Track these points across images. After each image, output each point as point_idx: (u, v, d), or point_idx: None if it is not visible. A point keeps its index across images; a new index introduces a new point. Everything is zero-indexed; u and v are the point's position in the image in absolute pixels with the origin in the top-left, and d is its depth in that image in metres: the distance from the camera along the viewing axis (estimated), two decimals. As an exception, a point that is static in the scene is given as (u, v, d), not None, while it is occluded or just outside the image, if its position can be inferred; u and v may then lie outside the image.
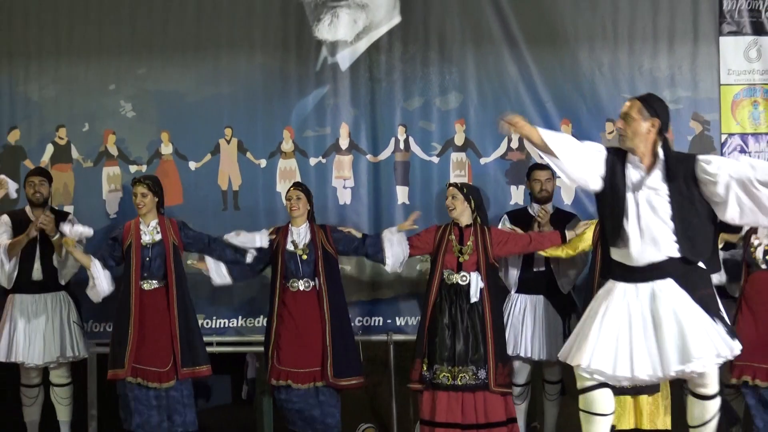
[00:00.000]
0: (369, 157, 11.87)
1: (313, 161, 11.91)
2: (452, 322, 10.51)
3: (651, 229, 7.72)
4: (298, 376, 10.66)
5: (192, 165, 11.96)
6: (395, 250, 10.80)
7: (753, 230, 10.47)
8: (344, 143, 11.90)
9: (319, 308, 10.76)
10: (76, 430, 11.70)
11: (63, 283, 11.27)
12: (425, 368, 10.57)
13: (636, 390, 10.26)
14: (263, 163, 11.93)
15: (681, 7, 11.75)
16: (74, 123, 12.15)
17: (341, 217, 11.78)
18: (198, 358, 10.88)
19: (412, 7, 11.92)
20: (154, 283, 10.81)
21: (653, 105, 7.90)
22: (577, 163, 7.83)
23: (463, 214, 10.60)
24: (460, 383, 10.43)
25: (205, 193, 11.92)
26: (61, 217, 11.41)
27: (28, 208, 11.43)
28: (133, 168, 11.94)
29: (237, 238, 10.82)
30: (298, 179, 11.67)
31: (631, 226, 7.76)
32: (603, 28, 11.79)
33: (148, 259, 10.83)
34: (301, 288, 10.73)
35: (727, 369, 10.06)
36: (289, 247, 10.78)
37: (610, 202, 7.83)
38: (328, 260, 10.82)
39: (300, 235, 10.83)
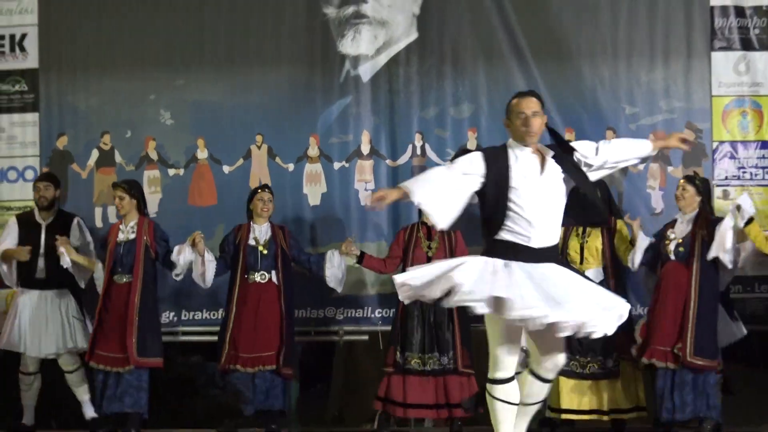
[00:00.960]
0: (388, 162, 12.23)
1: (336, 165, 12.25)
2: (422, 312, 11.00)
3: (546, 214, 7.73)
4: (251, 361, 11.08)
5: (226, 168, 12.34)
6: (334, 271, 11.35)
7: (670, 224, 10.92)
8: (365, 149, 12.25)
9: (277, 299, 11.23)
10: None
11: (82, 286, 11.66)
12: (398, 355, 11.04)
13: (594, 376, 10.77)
14: (291, 167, 12.28)
15: (675, 25, 12.02)
16: (117, 130, 12.49)
17: (363, 218, 12.16)
18: (153, 350, 11.27)
19: (428, 25, 12.24)
20: (125, 278, 11.21)
21: (541, 99, 7.88)
22: (440, 198, 7.65)
23: None
24: (428, 368, 10.95)
25: (237, 194, 12.02)
26: (68, 218, 11.85)
27: (36, 210, 11.84)
28: (171, 171, 12.36)
29: (178, 258, 11.21)
30: (323, 183, 12.11)
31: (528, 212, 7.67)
32: (603, 44, 12.11)
33: (120, 254, 11.24)
34: (258, 279, 11.18)
35: (637, 351, 10.63)
36: (251, 242, 11.24)
37: (495, 194, 7.68)
38: (284, 257, 11.30)
39: (262, 232, 11.31)
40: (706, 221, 10.72)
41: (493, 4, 12.18)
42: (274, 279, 11.35)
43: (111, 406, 11.15)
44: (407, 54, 12.34)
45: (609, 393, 10.91)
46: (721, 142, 12.01)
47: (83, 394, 11.72)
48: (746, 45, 11.98)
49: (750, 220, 10.38)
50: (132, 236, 11.33)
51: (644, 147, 7.99)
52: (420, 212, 11.20)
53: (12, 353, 11.73)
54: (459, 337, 10.91)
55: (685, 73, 12.03)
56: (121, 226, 11.39)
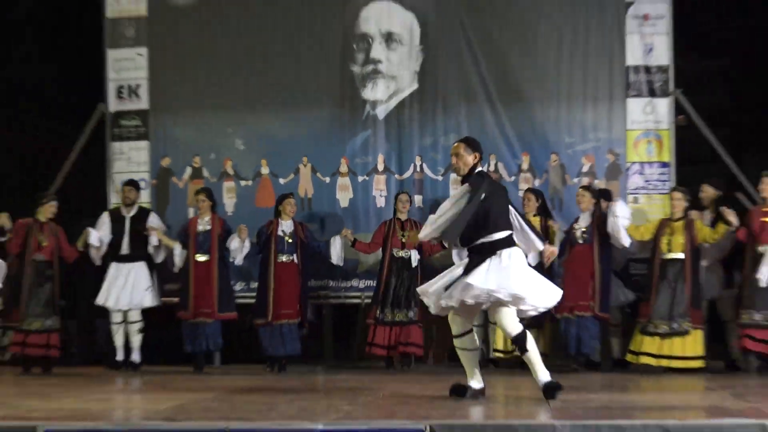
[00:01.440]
0: (396, 176, 14.31)
1: (360, 179, 14.36)
2: (397, 281, 13.28)
3: None
4: (281, 316, 13.26)
5: (281, 181, 14.43)
6: (336, 250, 13.52)
7: (576, 220, 12.99)
8: (381, 167, 14.34)
9: (296, 272, 13.38)
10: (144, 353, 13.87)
11: (159, 261, 13.69)
12: (378, 311, 13.37)
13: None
14: (327, 179, 14.39)
15: (602, 79, 14.03)
16: (205, 153, 14.61)
17: (378, 215, 14.13)
18: (228, 307, 13.57)
19: (425, 78, 14.33)
20: (204, 257, 13.52)
21: (472, 143, 9.09)
22: (455, 224, 8.79)
23: (405, 212, 13.47)
24: (397, 319, 13.35)
25: None
26: (145, 212, 13.81)
27: (122, 207, 13.76)
28: (242, 183, 14.48)
29: (230, 244, 13.42)
30: (350, 191, 14.21)
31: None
32: (550, 91, 14.13)
33: (200, 240, 13.49)
34: (284, 260, 13.35)
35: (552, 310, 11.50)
36: (280, 233, 13.30)
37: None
38: (302, 244, 13.41)
39: (287, 227, 13.40)
40: (600, 217, 12.70)
41: (471, 63, 14.22)
42: (295, 260, 13.39)
43: (198, 347, 13.40)
44: (410, 99, 14.38)
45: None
46: (633, 163, 13.96)
47: (138, 342, 13.67)
48: (651, 93, 13.98)
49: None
50: (208, 227, 13.42)
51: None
52: (395, 210, 13.49)
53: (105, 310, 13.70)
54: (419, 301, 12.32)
55: (608, 113, 14.03)
56: (198, 220, 13.47)
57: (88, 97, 15.14)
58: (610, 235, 12.72)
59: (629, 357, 12.66)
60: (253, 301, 13.73)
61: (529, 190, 13.49)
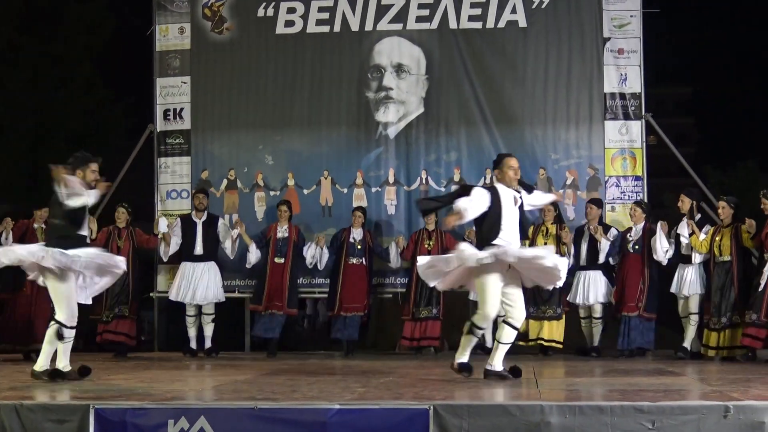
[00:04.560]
0: (405, 187, 14.36)
1: (373, 190, 14.40)
2: (422, 283, 12.43)
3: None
4: (352, 309, 13.60)
5: (305, 191, 14.48)
6: (394, 256, 13.79)
7: (628, 230, 13.08)
8: (391, 180, 14.38)
9: (365, 272, 13.69)
10: (225, 341, 14.09)
11: (231, 257, 13.73)
12: (412, 308, 13.52)
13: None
14: (345, 191, 14.43)
15: (582, 103, 14.12)
16: (239, 167, 14.65)
17: (389, 222, 14.27)
18: (293, 303, 13.81)
19: (430, 103, 14.39)
20: (281, 260, 13.66)
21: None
22: (476, 212, 8.88)
23: (432, 222, 13.49)
24: (422, 316, 13.48)
25: (313, 207, 14.39)
26: (214, 217, 13.84)
27: (193, 213, 13.81)
28: (271, 193, 14.49)
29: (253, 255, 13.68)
30: (365, 201, 14.22)
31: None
32: (538, 114, 14.21)
33: (279, 245, 13.65)
34: (355, 261, 13.68)
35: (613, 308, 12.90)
36: (351, 240, 13.64)
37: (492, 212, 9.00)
38: (369, 249, 13.71)
39: (359, 234, 13.72)
40: (650, 230, 12.81)
41: (469, 90, 14.31)
42: (364, 262, 13.71)
43: (267, 334, 13.58)
44: (417, 121, 14.46)
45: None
46: (610, 177, 14.04)
47: (210, 331, 13.73)
48: (626, 116, 14.07)
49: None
50: (285, 235, 13.61)
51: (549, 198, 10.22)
52: (424, 221, 13.61)
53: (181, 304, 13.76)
54: (442, 298, 13.33)
55: (588, 134, 14.14)
56: (278, 227, 13.64)
57: (140, 119, 15.37)
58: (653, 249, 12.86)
59: (703, 350, 12.52)
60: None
61: None
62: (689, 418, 6.87)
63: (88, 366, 9.38)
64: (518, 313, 9.10)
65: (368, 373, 10.09)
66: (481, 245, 9.06)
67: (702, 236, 12.52)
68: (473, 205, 8.97)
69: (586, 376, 10.13)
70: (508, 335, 9.10)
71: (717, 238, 12.38)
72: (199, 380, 9.75)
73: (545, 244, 13.19)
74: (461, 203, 8.91)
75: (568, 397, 7.86)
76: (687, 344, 12.71)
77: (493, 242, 8.98)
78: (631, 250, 13.04)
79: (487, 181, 13.89)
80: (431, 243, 13.58)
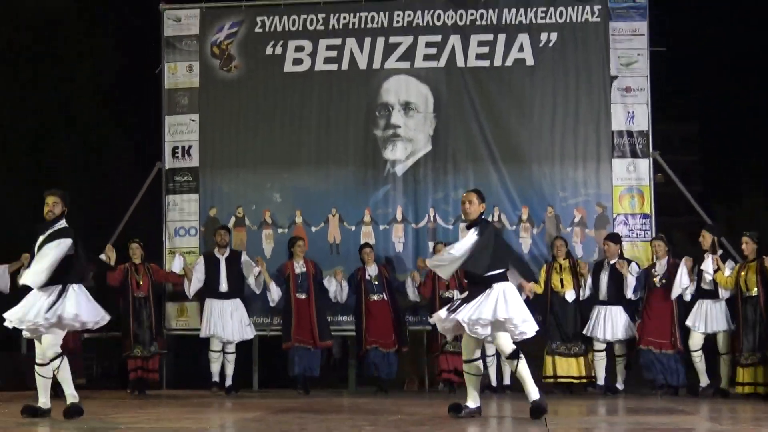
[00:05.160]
0: (413, 225, 14.35)
1: (381, 227, 14.39)
2: None
3: None
4: (378, 343, 13.55)
5: (313, 229, 14.46)
6: (411, 289, 13.70)
7: (652, 266, 13.05)
8: (399, 217, 14.36)
9: (388, 308, 13.64)
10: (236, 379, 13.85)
11: (257, 292, 13.68)
12: (439, 343, 13.38)
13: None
14: (353, 228, 14.40)
15: (590, 141, 14.18)
16: (247, 205, 14.63)
17: (398, 259, 14.24)
18: (325, 336, 13.72)
19: (438, 141, 14.42)
20: (303, 295, 13.63)
21: (481, 194, 9.29)
22: (479, 255, 8.94)
23: None
24: (452, 350, 13.23)
25: (320, 244, 14.34)
26: (237, 254, 13.81)
27: (216, 249, 13.77)
28: (279, 230, 14.46)
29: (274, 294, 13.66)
30: (373, 238, 14.20)
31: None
32: (546, 152, 14.24)
33: (299, 281, 13.60)
34: (376, 299, 13.69)
35: (636, 342, 12.83)
36: (368, 277, 13.67)
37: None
38: (389, 284, 13.71)
39: (374, 270, 13.75)
40: (675, 265, 12.77)
41: (477, 128, 14.34)
42: (385, 297, 13.68)
43: (306, 372, 13.48)
44: (425, 159, 14.48)
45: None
46: (618, 214, 14.06)
47: (232, 370, 13.68)
48: (633, 154, 14.12)
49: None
50: (303, 270, 13.60)
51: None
52: None
53: (202, 339, 13.75)
54: None
55: (596, 172, 14.16)
56: (295, 264, 13.60)
57: (148, 156, 15.23)
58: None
59: (738, 388, 12.43)
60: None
61: (557, 237, 13.69)
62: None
63: (78, 405, 9.20)
64: (500, 345, 9.12)
65: (377, 412, 10.01)
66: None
67: (727, 272, 12.53)
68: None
69: (597, 414, 10.07)
70: (518, 367, 9.02)
71: (743, 274, 12.34)
72: (208, 418, 9.66)
73: (561, 280, 13.31)
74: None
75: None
76: (724, 383, 12.77)
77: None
78: (658, 285, 13.03)
79: (495, 218, 14.03)
80: (448, 279, 13.33)
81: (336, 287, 13.83)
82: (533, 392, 8.90)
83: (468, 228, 9.25)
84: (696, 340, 12.91)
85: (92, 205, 20.91)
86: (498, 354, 12.99)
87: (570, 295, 13.25)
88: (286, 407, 10.79)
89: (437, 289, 13.50)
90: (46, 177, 21.54)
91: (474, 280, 9.15)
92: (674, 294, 12.77)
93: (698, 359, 12.87)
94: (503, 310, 8.85)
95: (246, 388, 14.19)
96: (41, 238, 9.29)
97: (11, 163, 21.32)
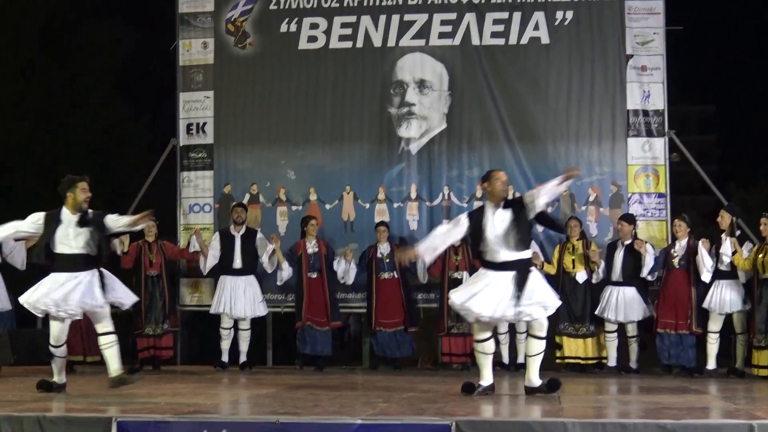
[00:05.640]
0: (427, 203, 14.37)
1: (395, 205, 14.42)
2: None
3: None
4: (387, 325, 13.63)
5: (327, 206, 14.50)
6: (420, 271, 13.69)
7: (672, 246, 13.00)
8: (413, 195, 14.39)
9: (398, 286, 13.69)
10: (251, 355, 13.95)
11: (269, 271, 13.72)
12: (445, 325, 13.48)
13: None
14: (367, 206, 14.45)
15: (605, 120, 14.10)
16: (261, 182, 14.65)
17: (411, 237, 14.03)
18: (336, 317, 13.83)
19: (452, 119, 14.39)
20: (315, 274, 13.69)
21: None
22: (441, 244, 9.32)
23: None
24: (459, 331, 13.40)
25: (334, 222, 14.41)
26: (252, 231, 13.82)
27: (232, 227, 13.78)
28: (293, 208, 14.47)
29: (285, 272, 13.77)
30: (387, 216, 14.22)
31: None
32: (560, 131, 14.21)
33: (311, 260, 13.67)
34: (386, 277, 13.74)
35: (654, 324, 12.84)
36: (379, 255, 13.71)
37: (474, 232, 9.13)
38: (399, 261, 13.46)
39: (386, 249, 13.77)
40: (694, 246, 12.69)
41: (491, 106, 14.31)
42: (395, 275, 13.69)
43: (313, 349, 13.61)
44: (440, 137, 14.49)
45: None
46: (633, 193, 14.05)
47: (246, 346, 13.70)
48: (649, 133, 14.11)
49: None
50: (315, 249, 13.66)
51: (555, 186, 9.40)
52: None
53: (215, 317, 13.77)
54: None
55: (611, 150, 14.15)
56: (307, 243, 13.66)
57: (162, 133, 15.38)
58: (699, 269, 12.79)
59: (755, 371, 12.39)
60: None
61: (572, 218, 13.63)
62: (713, 437, 6.77)
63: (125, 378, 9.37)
64: (542, 325, 9.13)
65: (390, 389, 10.05)
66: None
67: (745, 254, 12.47)
68: (430, 245, 9.35)
69: (610, 393, 10.09)
70: (534, 348, 9.15)
71: (760, 256, 12.27)
72: (222, 394, 9.74)
73: (573, 261, 13.30)
74: (421, 247, 9.38)
75: (591, 414, 7.79)
76: (740, 364, 12.73)
77: (484, 262, 9.23)
78: (677, 266, 12.98)
79: (510, 197, 13.69)
80: (458, 258, 13.59)
81: (345, 267, 13.87)
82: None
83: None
84: (715, 323, 12.85)
85: (107, 182, 21.07)
86: (510, 332, 13.43)
87: (581, 276, 13.23)
88: (300, 384, 10.85)
89: (447, 269, 13.55)
90: (62, 155, 21.79)
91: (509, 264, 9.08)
92: (705, 277, 12.66)
93: (713, 342, 12.82)
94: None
95: (260, 365, 14.24)
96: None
97: (27, 140, 21.45)
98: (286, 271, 13.81)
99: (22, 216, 9.49)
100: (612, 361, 13.34)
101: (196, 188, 14.90)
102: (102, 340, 9.32)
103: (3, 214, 15.16)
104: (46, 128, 21.86)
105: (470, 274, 13.11)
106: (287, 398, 8.94)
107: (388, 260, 13.72)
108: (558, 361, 13.32)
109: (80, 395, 9.12)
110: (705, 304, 12.76)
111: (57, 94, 22.17)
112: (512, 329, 13.39)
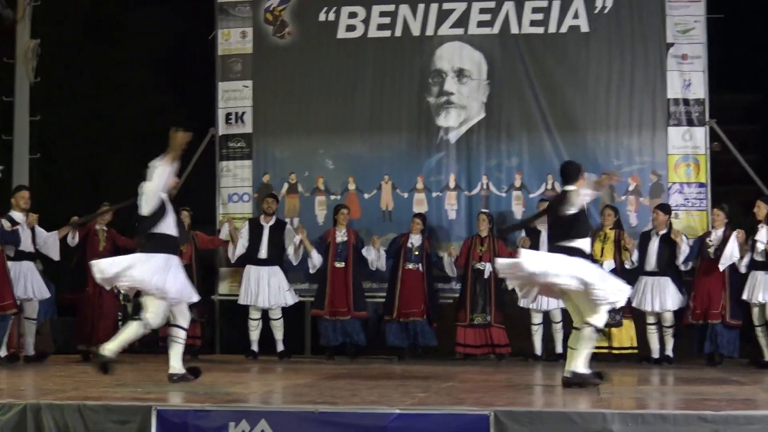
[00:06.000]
0: (466, 192, 14.37)
1: (434, 195, 14.43)
2: (474, 289, 13.40)
3: None
4: (410, 314, 13.60)
5: (365, 196, 14.57)
6: (448, 265, 13.78)
7: (707, 235, 12.97)
8: (452, 185, 14.39)
9: (422, 278, 13.65)
10: (288, 345, 13.94)
11: (295, 263, 13.75)
12: (465, 315, 13.50)
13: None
14: (406, 195, 14.46)
15: (645, 109, 14.05)
16: (299, 171, 14.72)
17: (450, 227, 14.28)
18: (361, 306, 13.78)
19: (491, 108, 14.39)
20: (341, 264, 13.70)
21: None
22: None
23: (485, 229, 13.52)
24: (476, 322, 13.47)
25: (373, 211, 14.46)
26: (281, 222, 13.93)
27: (262, 217, 13.84)
28: (332, 197, 14.52)
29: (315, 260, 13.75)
30: (425, 205, 14.26)
31: None
32: (600, 120, 14.16)
33: (339, 249, 13.70)
34: (411, 267, 13.67)
35: (690, 315, 12.78)
36: (409, 245, 13.65)
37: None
38: (427, 256, 13.69)
39: (417, 240, 13.69)
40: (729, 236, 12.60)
41: (530, 95, 14.29)
42: (421, 268, 13.67)
43: (335, 340, 13.64)
44: (478, 126, 14.47)
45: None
46: (674, 183, 13.98)
47: (280, 335, 13.81)
48: (689, 122, 14.04)
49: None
50: (345, 239, 13.67)
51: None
52: (478, 228, 13.63)
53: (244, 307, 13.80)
54: (494, 304, 13.38)
55: (651, 139, 14.09)
56: (337, 232, 13.67)
57: (201, 123, 15.25)
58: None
59: None
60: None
61: (608, 206, 13.51)
62: (755, 428, 6.79)
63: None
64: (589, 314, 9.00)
65: (429, 379, 10.06)
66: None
67: None
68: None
69: (650, 384, 10.08)
70: (583, 339, 9.03)
71: None
72: (260, 383, 9.83)
73: (602, 249, 13.19)
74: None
75: (631, 405, 7.79)
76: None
77: None
78: (712, 256, 12.88)
79: (549, 186, 14.04)
80: (483, 249, 13.59)
81: (375, 255, 13.88)
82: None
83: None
84: (756, 314, 12.71)
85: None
86: (544, 323, 13.49)
87: (608, 265, 12.94)
88: (338, 373, 10.89)
89: (470, 259, 13.59)
90: (103, 144, 21.94)
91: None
92: (722, 265, 12.61)
93: (761, 333, 12.65)
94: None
95: (298, 354, 14.27)
96: None
97: (69, 129, 21.59)
98: (316, 259, 13.79)
99: (64, 204, 9.50)
100: (654, 353, 13.25)
101: (235, 178, 14.94)
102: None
103: (45, 203, 15.51)
104: (89, 117, 22.00)
105: (493, 266, 13.00)
106: (325, 388, 8.98)
107: (417, 252, 13.68)
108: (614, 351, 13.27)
109: (120, 384, 9.13)
110: (744, 296, 12.66)
111: (99, 83, 22.31)
112: (546, 320, 13.49)
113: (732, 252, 12.53)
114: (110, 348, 8.99)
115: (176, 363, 9.23)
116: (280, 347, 13.88)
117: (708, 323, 12.79)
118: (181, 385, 9.05)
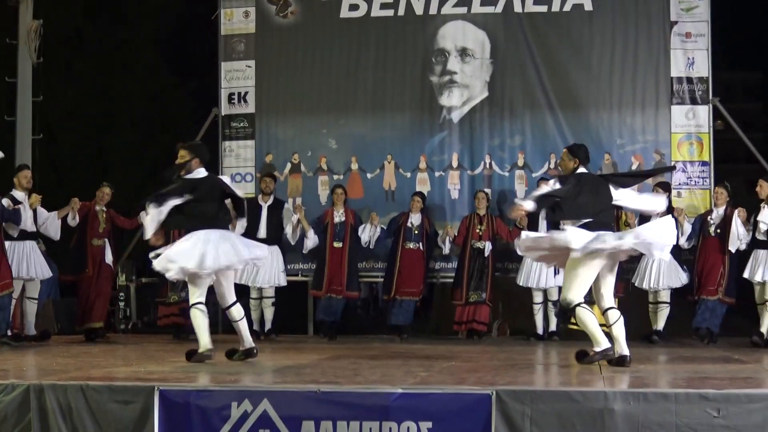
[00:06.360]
0: (468, 172, 14.39)
1: (437, 174, 14.45)
2: (472, 268, 13.48)
3: None
4: (408, 293, 13.67)
5: (368, 175, 14.60)
6: (447, 245, 13.82)
7: (708, 213, 12.94)
8: (455, 164, 14.40)
9: (422, 257, 13.71)
10: (287, 325, 14.08)
11: (293, 243, 13.67)
12: (461, 293, 13.60)
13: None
14: (409, 175, 14.49)
15: (649, 87, 14.01)
16: (302, 151, 14.75)
17: (452, 206, 14.27)
18: (353, 286, 13.81)
19: (494, 87, 14.37)
20: (339, 243, 13.69)
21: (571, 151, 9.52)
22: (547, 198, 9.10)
23: (483, 208, 13.57)
24: (471, 300, 13.52)
25: (375, 191, 14.48)
26: (280, 202, 13.83)
27: (260, 196, 13.77)
28: (335, 177, 14.52)
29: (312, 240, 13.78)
30: (428, 185, 14.28)
31: None
32: (603, 99, 14.12)
33: (337, 229, 13.69)
34: (411, 246, 13.69)
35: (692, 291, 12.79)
36: (409, 224, 13.65)
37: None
38: (427, 235, 13.72)
39: (417, 219, 13.71)
40: (731, 215, 12.59)
41: (534, 74, 14.24)
42: (421, 247, 13.69)
43: (326, 316, 13.66)
44: (481, 106, 14.46)
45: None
46: (677, 161, 13.92)
47: (271, 314, 13.69)
48: (693, 101, 13.98)
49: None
50: (342, 219, 13.65)
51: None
52: (475, 206, 13.69)
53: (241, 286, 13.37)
54: (489, 283, 13.49)
55: (655, 118, 14.05)
56: (335, 212, 13.68)
57: (204, 103, 15.29)
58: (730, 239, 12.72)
59: None
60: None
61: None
62: (756, 407, 6.82)
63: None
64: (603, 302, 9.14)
65: (431, 358, 10.09)
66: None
67: None
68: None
69: (651, 362, 10.03)
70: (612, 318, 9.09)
71: None
72: (262, 363, 9.76)
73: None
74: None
75: (632, 383, 7.79)
76: (764, 330, 12.41)
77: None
78: (713, 234, 12.90)
79: (552, 165, 13.97)
80: (482, 228, 13.65)
81: (371, 232, 13.86)
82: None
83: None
84: (758, 292, 12.67)
85: (149, 151, 21.20)
86: (544, 302, 13.44)
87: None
88: (341, 353, 10.89)
89: (469, 238, 13.63)
90: (106, 124, 21.97)
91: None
92: (732, 247, 12.60)
93: (765, 312, 12.55)
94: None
95: (301, 333, 14.31)
96: None
97: (72, 110, 21.62)
98: (311, 239, 13.83)
99: (66, 185, 9.50)
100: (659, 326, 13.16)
101: (238, 158, 14.93)
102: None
103: (48, 183, 15.51)
104: (91, 98, 22.02)
105: (493, 245, 13.47)
106: (328, 367, 9.00)
107: (416, 231, 13.70)
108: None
109: (123, 363, 9.16)
110: (745, 274, 12.62)
111: (102, 64, 22.32)
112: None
113: (738, 232, 12.52)
114: (203, 344, 9.32)
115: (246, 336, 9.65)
116: (267, 326, 13.84)
117: (702, 298, 12.79)
118: (182, 364, 9.03)
